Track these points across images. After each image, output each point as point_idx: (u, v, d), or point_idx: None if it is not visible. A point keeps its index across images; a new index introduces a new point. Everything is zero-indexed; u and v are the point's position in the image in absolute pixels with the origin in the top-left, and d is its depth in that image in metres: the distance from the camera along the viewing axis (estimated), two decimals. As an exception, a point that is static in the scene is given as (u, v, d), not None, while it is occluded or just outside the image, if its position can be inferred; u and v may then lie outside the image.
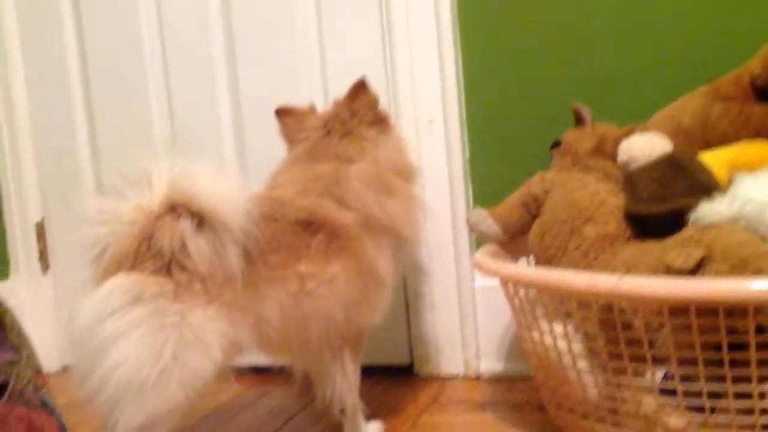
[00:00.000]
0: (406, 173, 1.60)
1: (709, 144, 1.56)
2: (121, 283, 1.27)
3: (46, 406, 0.60)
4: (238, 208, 1.34)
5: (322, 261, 1.45)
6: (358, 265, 1.48)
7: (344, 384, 1.55)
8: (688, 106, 1.63)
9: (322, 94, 1.96)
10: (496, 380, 1.89)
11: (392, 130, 1.59)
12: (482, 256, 1.60)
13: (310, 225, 1.46)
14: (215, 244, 1.31)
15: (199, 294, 1.30)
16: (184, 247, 1.29)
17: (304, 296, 1.43)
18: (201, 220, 1.31)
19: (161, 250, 1.28)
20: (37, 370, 0.63)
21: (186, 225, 1.30)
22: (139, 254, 1.28)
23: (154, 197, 1.30)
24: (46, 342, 2.05)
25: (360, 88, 1.53)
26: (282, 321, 1.41)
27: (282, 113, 1.61)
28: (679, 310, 1.24)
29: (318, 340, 1.49)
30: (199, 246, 1.30)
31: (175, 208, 1.30)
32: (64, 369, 1.96)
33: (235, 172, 1.95)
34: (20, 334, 0.64)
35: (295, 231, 1.44)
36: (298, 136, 1.58)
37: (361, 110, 1.54)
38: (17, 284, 2.22)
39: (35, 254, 2.25)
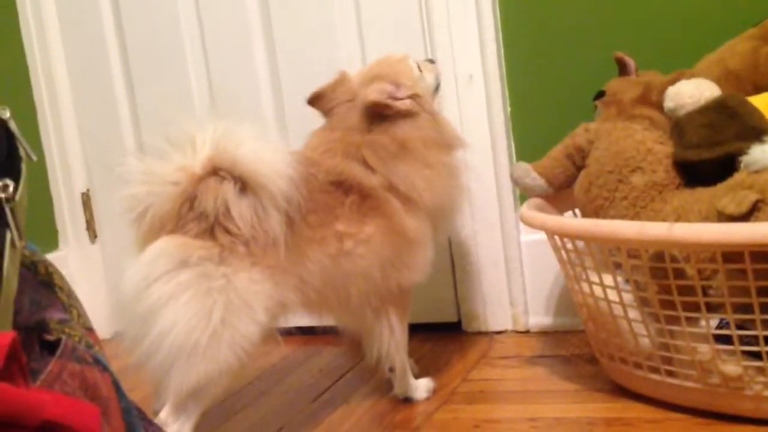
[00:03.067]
0: (438, 146, 1.57)
1: (759, 88, 1.53)
2: (166, 246, 1.28)
3: (98, 362, 0.60)
4: (281, 175, 1.34)
5: (357, 221, 1.45)
6: (389, 225, 1.48)
7: (391, 342, 1.55)
8: (736, 49, 1.59)
9: (358, 47, 1.94)
10: (546, 334, 1.88)
11: (419, 115, 1.55)
12: (528, 210, 1.58)
13: (341, 185, 1.46)
14: (257, 209, 1.31)
15: (244, 257, 1.31)
16: (227, 210, 1.29)
17: (343, 256, 1.43)
18: (244, 184, 1.31)
19: (205, 212, 1.28)
20: (89, 329, 0.63)
21: (229, 188, 1.30)
22: (182, 216, 1.29)
23: (198, 159, 1.30)
24: (97, 310, 2.05)
25: (369, 107, 1.51)
26: (323, 281, 1.41)
27: (314, 101, 1.59)
28: (733, 255, 1.21)
29: (358, 299, 1.49)
30: (241, 210, 1.30)
31: (218, 171, 1.30)
32: (116, 336, 1.98)
33: (277, 136, 1.94)
34: (70, 295, 0.64)
35: (329, 191, 1.45)
36: (331, 112, 1.57)
37: (379, 114, 1.52)
38: (67, 254, 2.25)
39: (83, 224, 2.28)
